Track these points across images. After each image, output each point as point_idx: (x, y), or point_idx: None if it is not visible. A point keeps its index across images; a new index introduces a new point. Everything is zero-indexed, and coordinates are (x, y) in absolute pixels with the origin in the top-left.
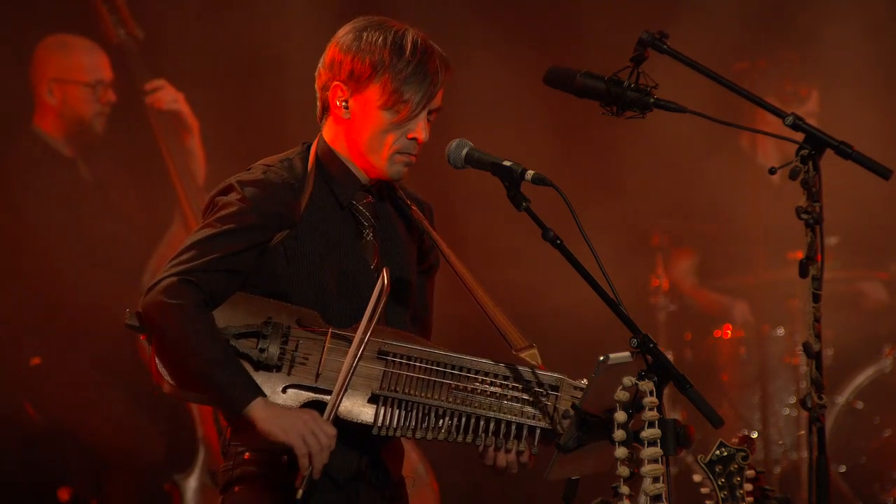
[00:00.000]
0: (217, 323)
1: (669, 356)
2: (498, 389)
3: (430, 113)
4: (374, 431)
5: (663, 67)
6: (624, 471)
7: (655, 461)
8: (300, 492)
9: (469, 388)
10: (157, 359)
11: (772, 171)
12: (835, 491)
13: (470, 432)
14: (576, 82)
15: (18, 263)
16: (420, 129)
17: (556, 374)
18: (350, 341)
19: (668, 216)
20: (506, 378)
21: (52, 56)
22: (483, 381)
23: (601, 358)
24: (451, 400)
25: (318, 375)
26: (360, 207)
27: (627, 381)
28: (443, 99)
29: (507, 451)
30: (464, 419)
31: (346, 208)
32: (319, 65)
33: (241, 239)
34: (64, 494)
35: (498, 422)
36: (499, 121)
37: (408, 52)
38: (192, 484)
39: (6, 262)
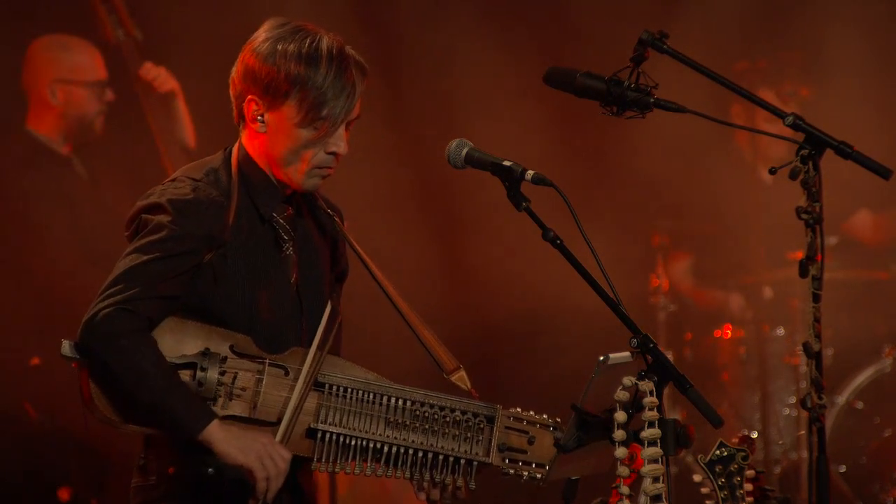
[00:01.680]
0: None
1: (669, 356)
2: (435, 422)
3: (348, 124)
4: (314, 467)
5: (663, 67)
6: (624, 471)
7: (655, 461)
8: None
9: (406, 422)
10: (92, 388)
11: (772, 171)
12: (835, 491)
13: (408, 467)
14: (576, 82)
15: (17, 263)
16: (339, 144)
17: (490, 405)
18: (286, 370)
19: (669, 216)
20: (441, 409)
21: (53, 57)
22: (420, 414)
23: (601, 358)
24: (388, 434)
25: (254, 407)
26: (281, 221)
27: (627, 381)
28: (361, 108)
29: (444, 487)
30: (401, 452)
31: (268, 222)
32: (233, 71)
33: (173, 265)
34: (64, 494)
35: (435, 455)
36: (499, 121)
37: (324, 65)
38: None
39: (5, 262)
